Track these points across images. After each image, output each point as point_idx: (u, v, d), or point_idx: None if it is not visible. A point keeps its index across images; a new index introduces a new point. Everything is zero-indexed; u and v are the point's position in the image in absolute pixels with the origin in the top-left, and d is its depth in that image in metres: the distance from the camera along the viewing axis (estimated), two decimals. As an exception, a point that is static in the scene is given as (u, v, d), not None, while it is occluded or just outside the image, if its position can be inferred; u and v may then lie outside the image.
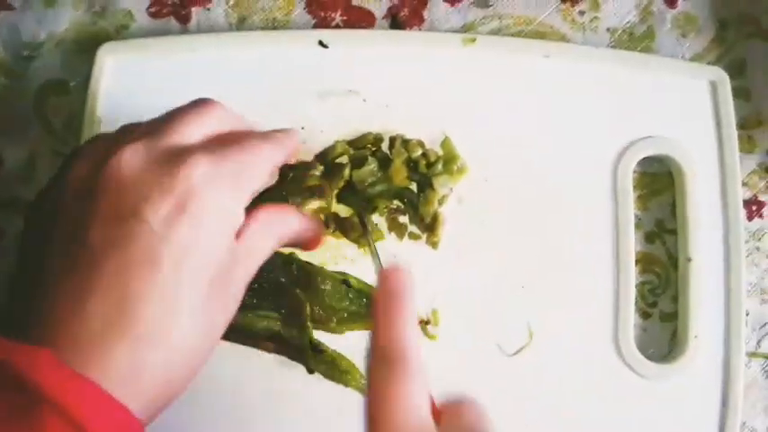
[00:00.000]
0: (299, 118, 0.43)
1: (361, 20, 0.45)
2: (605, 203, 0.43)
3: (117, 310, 0.26)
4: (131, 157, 0.28)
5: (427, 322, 0.41)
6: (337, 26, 0.45)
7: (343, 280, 0.40)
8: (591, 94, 0.43)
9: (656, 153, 0.43)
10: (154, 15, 0.45)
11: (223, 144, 0.31)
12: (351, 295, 0.40)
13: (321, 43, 0.43)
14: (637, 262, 0.42)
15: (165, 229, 0.27)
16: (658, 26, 0.45)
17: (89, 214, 0.27)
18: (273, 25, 0.45)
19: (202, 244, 0.28)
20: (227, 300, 0.30)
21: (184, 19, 0.45)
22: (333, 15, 0.45)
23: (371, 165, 0.41)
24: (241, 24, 0.45)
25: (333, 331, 0.40)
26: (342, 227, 0.41)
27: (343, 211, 0.42)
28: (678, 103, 0.43)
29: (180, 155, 0.29)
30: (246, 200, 0.31)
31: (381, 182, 0.41)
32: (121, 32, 0.44)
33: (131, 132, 0.30)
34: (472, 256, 0.42)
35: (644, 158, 0.43)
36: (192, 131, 0.31)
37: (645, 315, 0.43)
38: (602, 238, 0.42)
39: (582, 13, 0.45)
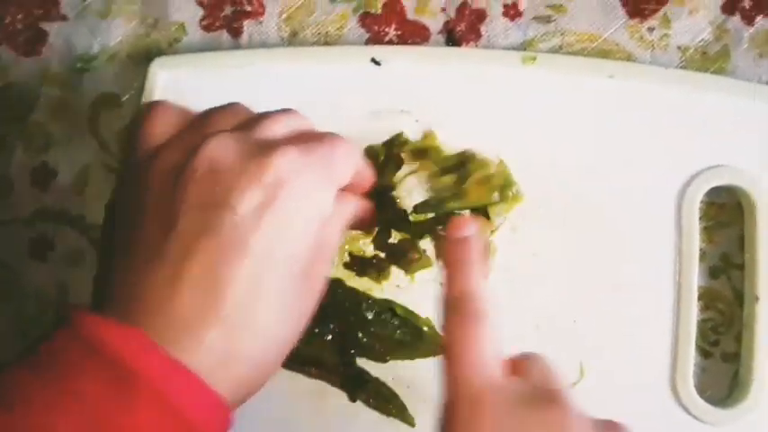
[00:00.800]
0: (349, 136, 0.42)
1: (416, 35, 0.44)
2: (668, 235, 0.41)
3: (207, 296, 0.26)
4: (221, 147, 0.28)
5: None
6: (391, 41, 0.44)
7: (389, 308, 0.40)
8: (657, 118, 0.41)
9: (726, 183, 0.41)
10: (206, 28, 0.44)
11: (310, 139, 0.31)
12: (396, 323, 0.40)
13: (374, 60, 0.42)
14: (699, 297, 0.41)
15: (254, 219, 0.27)
16: (734, 45, 0.42)
17: (179, 202, 0.27)
18: (326, 40, 0.44)
19: (290, 234, 0.28)
20: (310, 290, 0.30)
21: (236, 32, 0.44)
22: (387, 30, 0.44)
23: (422, 189, 0.40)
24: (293, 38, 0.44)
25: (376, 359, 0.40)
26: (392, 252, 0.41)
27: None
28: (752, 129, 0.41)
29: (269, 146, 0.29)
30: (334, 192, 0.31)
31: (432, 207, 0.40)
32: (174, 45, 0.44)
33: (215, 123, 0.30)
34: (523, 287, 0.41)
35: (712, 188, 0.41)
36: (279, 127, 0.31)
37: (705, 354, 0.41)
38: (664, 272, 0.40)
39: (651, 29, 0.42)
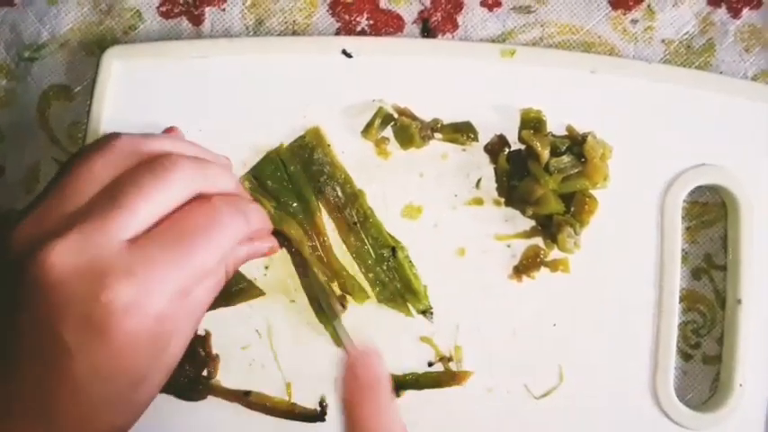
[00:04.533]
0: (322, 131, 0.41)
1: (389, 24, 0.43)
2: (650, 235, 0.41)
3: (35, 407, 0.29)
4: (58, 260, 0.29)
5: (449, 359, 0.41)
6: (363, 31, 0.43)
7: (393, 247, 0.40)
8: (640, 115, 0.42)
9: (709, 182, 0.41)
10: (164, 15, 0.43)
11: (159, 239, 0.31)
12: (388, 264, 0.40)
13: (345, 52, 0.41)
14: (680, 299, 0.41)
15: (78, 350, 0.29)
16: (719, 39, 0.42)
17: (16, 307, 0.29)
18: (293, 29, 0.43)
19: (119, 362, 0.30)
20: (135, 401, 0.32)
21: (197, 20, 0.43)
22: (358, 19, 0.43)
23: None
24: (258, 27, 0.43)
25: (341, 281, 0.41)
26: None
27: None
28: (738, 127, 0.42)
29: (103, 274, 0.29)
30: (193, 282, 0.32)
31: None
32: (129, 33, 0.43)
33: (59, 214, 0.31)
34: (499, 289, 0.41)
35: (695, 187, 0.41)
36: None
37: (686, 357, 0.42)
38: (645, 273, 0.41)
39: (635, 21, 0.43)
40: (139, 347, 0.30)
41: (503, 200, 0.41)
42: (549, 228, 0.40)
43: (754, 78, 0.42)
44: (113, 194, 0.31)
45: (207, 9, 0.43)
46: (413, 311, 0.41)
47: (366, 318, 0.41)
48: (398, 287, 0.40)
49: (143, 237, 0.30)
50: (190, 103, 0.42)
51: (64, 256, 0.29)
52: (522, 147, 0.41)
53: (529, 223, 0.41)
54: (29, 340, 0.29)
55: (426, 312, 0.41)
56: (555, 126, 0.41)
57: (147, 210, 0.31)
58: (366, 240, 0.40)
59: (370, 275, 0.41)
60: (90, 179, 0.31)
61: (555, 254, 0.41)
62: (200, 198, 0.33)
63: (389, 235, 0.41)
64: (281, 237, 0.40)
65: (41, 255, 0.29)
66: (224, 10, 0.43)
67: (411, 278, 0.40)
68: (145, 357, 0.31)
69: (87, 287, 0.29)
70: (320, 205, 0.41)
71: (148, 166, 0.32)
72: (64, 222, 0.30)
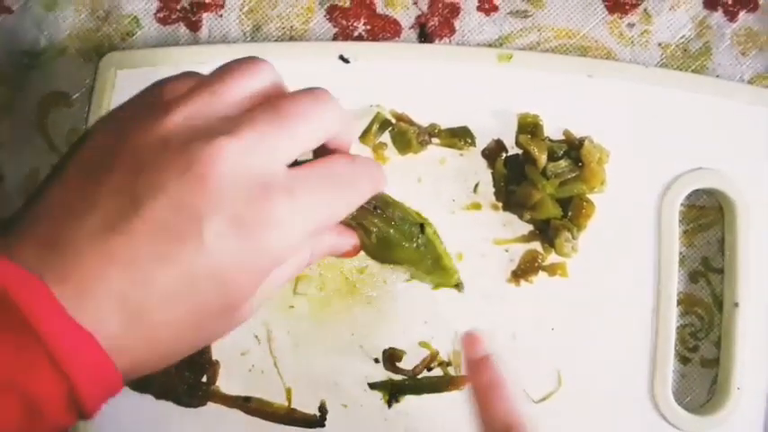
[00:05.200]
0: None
1: (386, 30, 0.43)
2: (647, 239, 0.42)
3: (135, 281, 0.27)
4: (229, 155, 0.28)
5: (448, 364, 0.41)
6: (360, 36, 0.43)
7: (420, 224, 0.39)
8: (637, 119, 0.42)
9: (706, 186, 0.41)
10: (162, 21, 0.44)
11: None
12: (418, 241, 0.39)
13: (342, 58, 0.41)
14: (678, 303, 0.41)
15: (212, 247, 0.27)
16: (716, 42, 0.43)
17: (156, 192, 0.27)
18: (291, 35, 0.43)
19: (239, 276, 0.28)
20: (234, 318, 0.30)
21: (194, 26, 0.44)
22: (355, 24, 0.43)
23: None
24: (256, 33, 0.43)
25: (372, 254, 0.39)
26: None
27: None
28: (734, 131, 0.42)
29: (266, 184, 0.28)
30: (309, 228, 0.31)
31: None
32: (127, 40, 0.44)
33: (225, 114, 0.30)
34: (497, 294, 0.41)
35: (692, 190, 0.42)
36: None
37: (683, 360, 0.42)
38: (642, 277, 0.42)
39: (631, 25, 0.43)
40: (265, 264, 0.29)
41: (500, 204, 0.42)
42: (546, 232, 0.41)
43: (751, 82, 0.43)
44: (277, 110, 0.30)
45: (204, 15, 0.44)
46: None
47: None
48: (430, 264, 0.41)
49: (302, 167, 0.30)
50: (188, 109, 0.42)
51: (235, 153, 0.28)
52: (520, 151, 0.41)
53: (527, 228, 0.41)
54: (155, 225, 0.27)
55: (459, 286, 0.41)
56: (552, 130, 0.41)
57: (308, 136, 0.30)
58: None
59: None
60: (246, 89, 0.30)
61: (553, 258, 0.41)
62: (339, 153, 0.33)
63: (416, 212, 0.40)
64: None
65: (212, 146, 0.28)
66: (221, 16, 0.44)
67: (441, 254, 0.41)
68: (259, 276, 0.29)
69: (249, 191, 0.28)
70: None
71: (308, 91, 0.32)
72: (227, 123, 0.29)
